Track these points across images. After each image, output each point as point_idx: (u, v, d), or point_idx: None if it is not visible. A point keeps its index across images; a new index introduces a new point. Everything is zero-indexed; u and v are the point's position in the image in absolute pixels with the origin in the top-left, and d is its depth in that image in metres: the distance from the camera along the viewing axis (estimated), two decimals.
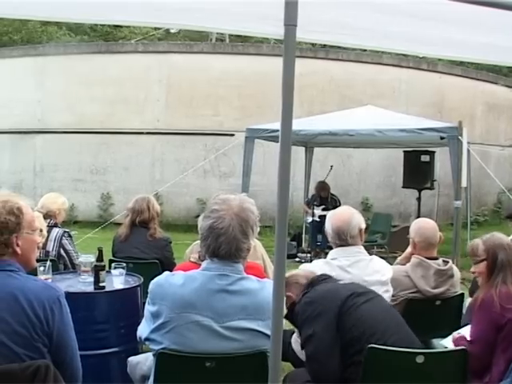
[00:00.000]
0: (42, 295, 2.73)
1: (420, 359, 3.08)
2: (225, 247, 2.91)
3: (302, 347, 3.45)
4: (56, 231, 5.97)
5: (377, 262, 4.29)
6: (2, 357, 2.56)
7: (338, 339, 3.28)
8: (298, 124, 9.40)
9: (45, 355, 2.69)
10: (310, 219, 12.13)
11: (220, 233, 2.90)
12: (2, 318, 2.60)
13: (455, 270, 4.72)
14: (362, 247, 4.33)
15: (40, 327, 2.68)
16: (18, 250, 2.82)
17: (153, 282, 3.03)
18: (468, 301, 4.71)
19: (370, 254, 4.44)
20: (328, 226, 4.36)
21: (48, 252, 5.80)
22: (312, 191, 13.05)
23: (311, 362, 3.38)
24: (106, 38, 29.46)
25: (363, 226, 4.36)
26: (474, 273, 4.12)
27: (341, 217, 4.34)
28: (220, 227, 2.90)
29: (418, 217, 9.10)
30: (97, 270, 4.73)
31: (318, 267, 4.31)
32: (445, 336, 4.24)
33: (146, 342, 3.06)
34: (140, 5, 3.12)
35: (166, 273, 3.11)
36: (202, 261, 3.11)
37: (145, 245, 6.04)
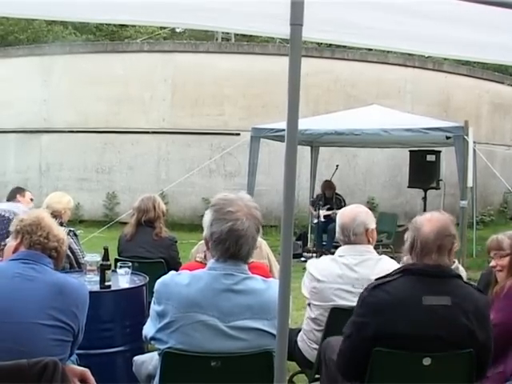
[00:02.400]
0: (80, 291, 3.15)
1: (427, 361, 3.05)
2: (245, 248, 2.93)
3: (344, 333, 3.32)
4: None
5: (386, 262, 4.27)
6: (40, 339, 2.85)
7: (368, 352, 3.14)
8: (304, 123, 9.39)
9: (69, 340, 3.01)
10: (315, 220, 12.11)
11: (241, 234, 2.90)
12: (47, 304, 2.92)
13: (461, 269, 4.70)
14: (371, 247, 4.32)
15: (76, 316, 3.02)
16: (60, 256, 3.30)
17: (158, 281, 3.03)
18: None
19: (378, 253, 4.42)
20: (337, 223, 4.38)
21: None
22: (317, 191, 13.04)
23: (339, 356, 3.34)
24: (111, 37, 29.51)
25: (371, 226, 4.33)
26: (494, 267, 4.14)
27: (348, 214, 4.37)
28: (240, 229, 2.89)
29: None
30: (102, 269, 4.74)
31: (324, 264, 4.32)
32: None
33: (152, 342, 3.06)
34: (146, 4, 3.12)
35: (172, 272, 3.11)
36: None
37: (150, 244, 6.03)
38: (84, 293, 3.16)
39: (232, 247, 2.92)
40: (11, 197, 6.81)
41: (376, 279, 3.26)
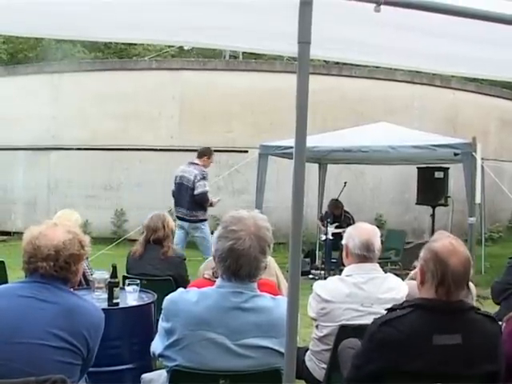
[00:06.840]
0: (93, 315, 3.11)
1: None
2: (246, 268, 2.91)
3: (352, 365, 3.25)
4: None
5: (392, 280, 4.29)
6: (47, 360, 2.83)
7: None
8: (312, 140, 9.34)
9: (78, 364, 2.98)
10: (323, 237, 12.05)
11: (241, 254, 2.89)
12: (56, 325, 2.89)
13: (471, 286, 4.67)
14: (377, 265, 4.33)
15: (86, 340, 2.99)
16: (78, 278, 3.27)
17: (167, 298, 3.04)
18: None
19: (384, 271, 4.43)
20: (355, 238, 4.31)
21: None
22: (325, 208, 13.01)
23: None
24: (119, 54, 29.64)
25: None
26: None
27: (369, 231, 4.38)
28: (241, 248, 2.88)
29: (432, 233, 9.06)
30: (111, 287, 4.74)
31: (332, 284, 4.31)
32: None
33: (160, 359, 3.06)
34: (155, 22, 3.15)
35: (180, 290, 3.12)
36: (216, 277, 3.11)
37: (158, 262, 6.00)
38: (97, 318, 3.11)
39: (232, 266, 2.91)
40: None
41: (386, 311, 3.15)
